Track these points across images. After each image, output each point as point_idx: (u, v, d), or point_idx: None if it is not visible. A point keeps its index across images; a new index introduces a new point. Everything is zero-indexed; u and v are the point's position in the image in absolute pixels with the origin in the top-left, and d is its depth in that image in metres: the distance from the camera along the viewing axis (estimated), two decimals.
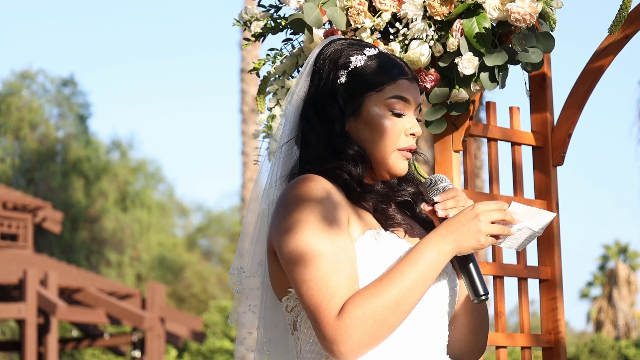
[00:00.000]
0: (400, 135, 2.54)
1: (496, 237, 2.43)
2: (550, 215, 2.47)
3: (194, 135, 70.73)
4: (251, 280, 2.64)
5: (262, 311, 2.60)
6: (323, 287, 2.34)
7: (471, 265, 2.46)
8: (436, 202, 2.50)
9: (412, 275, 2.35)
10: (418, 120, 2.60)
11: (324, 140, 2.53)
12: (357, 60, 2.56)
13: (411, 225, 2.58)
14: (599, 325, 38.89)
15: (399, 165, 2.55)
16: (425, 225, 2.61)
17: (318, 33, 3.40)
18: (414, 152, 2.60)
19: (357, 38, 3.37)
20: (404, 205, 2.63)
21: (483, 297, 2.46)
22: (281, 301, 2.52)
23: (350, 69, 2.55)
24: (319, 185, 2.43)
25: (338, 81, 2.55)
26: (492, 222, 2.41)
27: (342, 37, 2.81)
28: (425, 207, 2.53)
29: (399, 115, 2.54)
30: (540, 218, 2.46)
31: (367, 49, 2.59)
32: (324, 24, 3.41)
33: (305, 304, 2.37)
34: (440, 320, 2.51)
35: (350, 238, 2.42)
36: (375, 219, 2.52)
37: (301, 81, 2.60)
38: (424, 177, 2.74)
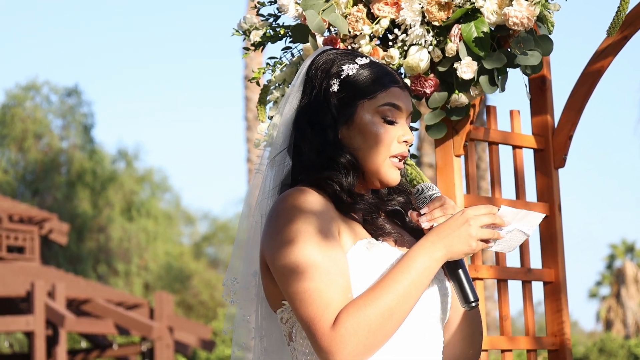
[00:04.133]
0: (392, 143, 2.55)
1: (486, 241, 2.43)
2: (540, 217, 2.47)
3: (199, 143, 70.79)
4: (245, 291, 2.65)
5: (258, 321, 2.61)
6: (317, 299, 2.34)
7: (460, 271, 2.45)
8: (422, 214, 2.50)
9: (404, 283, 2.35)
10: (414, 129, 2.61)
11: (317, 148, 2.54)
12: (349, 69, 2.57)
13: (401, 234, 2.58)
14: (608, 325, 38.81)
15: (390, 174, 2.56)
16: (415, 234, 2.60)
17: (318, 41, 3.41)
18: (406, 159, 2.61)
19: (353, 47, 3.38)
20: (394, 215, 2.63)
21: (473, 304, 2.45)
22: (276, 313, 2.52)
23: (342, 77, 2.57)
24: (310, 198, 2.44)
25: (331, 89, 2.56)
26: (482, 226, 2.41)
27: (333, 47, 2.83)
28: (413, 215, 2.53)
29: (391, 123, 2.55)
30: (529, 220, 2.46)
31: (359, 58, 2.61)
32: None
33: (299, 316, 2.37)
34: (434, 326, 2.52)
35: (341, 249, 2.42)
36: (365, 230, 2.52)
37: (293, 91, 2.62)
38: (422, 181, 2.73)
